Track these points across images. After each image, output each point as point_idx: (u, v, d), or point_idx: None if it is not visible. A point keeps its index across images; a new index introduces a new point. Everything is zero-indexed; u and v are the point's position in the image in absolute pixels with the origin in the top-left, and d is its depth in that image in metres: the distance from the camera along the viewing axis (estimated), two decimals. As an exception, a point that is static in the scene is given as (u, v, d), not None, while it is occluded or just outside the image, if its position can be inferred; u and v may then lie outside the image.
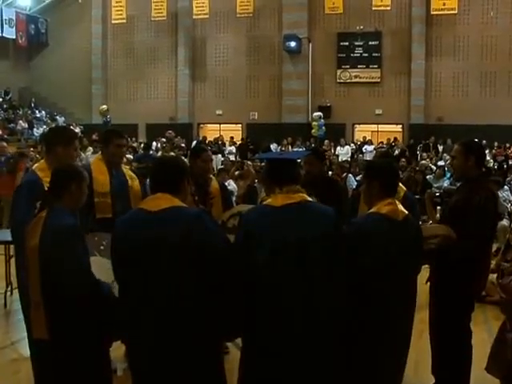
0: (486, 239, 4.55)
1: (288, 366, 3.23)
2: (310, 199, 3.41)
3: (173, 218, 3.18)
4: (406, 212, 3.81)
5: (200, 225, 3.17)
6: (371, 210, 3.79)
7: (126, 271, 3.26)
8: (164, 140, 23.63)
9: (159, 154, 19.35)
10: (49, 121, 28.69)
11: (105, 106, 27.57)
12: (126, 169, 5.39)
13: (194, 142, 24.74)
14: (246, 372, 3.36)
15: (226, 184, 8.17)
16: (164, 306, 3.12)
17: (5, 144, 14.93)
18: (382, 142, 24.67)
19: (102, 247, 4.05)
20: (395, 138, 24.87)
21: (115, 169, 5.17)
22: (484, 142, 21.46)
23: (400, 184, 4.98)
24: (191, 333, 3.14)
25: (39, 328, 3.51)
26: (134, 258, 3.19)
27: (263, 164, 3.73)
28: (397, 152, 22.09)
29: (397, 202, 3.80)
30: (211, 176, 5.90)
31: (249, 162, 13.43)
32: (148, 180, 3.79)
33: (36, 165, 4.93)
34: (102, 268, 3.68)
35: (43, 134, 5.75)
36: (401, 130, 26.49)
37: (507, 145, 22.25)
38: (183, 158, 6.53)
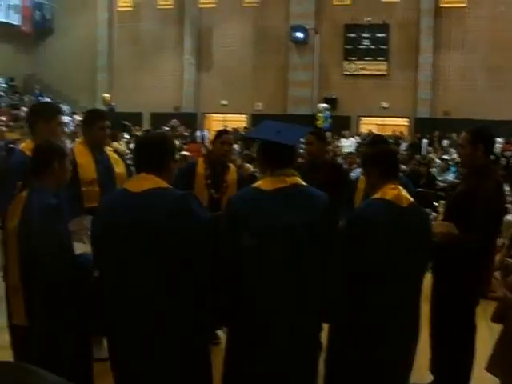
0: (493, 230, 4.35)
1: (275, 359, 3.05)
2: (303, 183, 3.23)
3: (156, 199, 3.00)
4: (412, 199, 3.62)
5: (184, 207, 2.99)
6: (374, 196, 3.61)
7: (104, 254, 3.09)
8: (167, 128, 23.50)
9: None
10: (52, 108, 28.55)
11: (106, 95, 27.59)
12: (109, 151, 5.18)
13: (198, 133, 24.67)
14: (231, 365, 3.19)
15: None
16: (144, 292, 2.95)
17: (4, 129, 14.96)
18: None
19: (89, 232, 3.89)
20: (401, 132, 24.64)
21: (99, 152, 4.98)
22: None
23: None
24: (172, 321, 2.97)
25: (18, 313, 3.38)
26: (113, 240, 3.01)
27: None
28: (403, 146, 21.95)
29: (400, 188, 3.61)
30: (231, 164, 5.75)
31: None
32: None
33: (22, 144, 4.76)
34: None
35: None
36: (407, 123, 26.18)
37: (515, 140, 22.00)
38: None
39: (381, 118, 26.70)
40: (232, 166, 5.69)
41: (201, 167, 5.44)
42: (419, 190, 14.28)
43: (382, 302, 3.44)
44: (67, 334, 3.35)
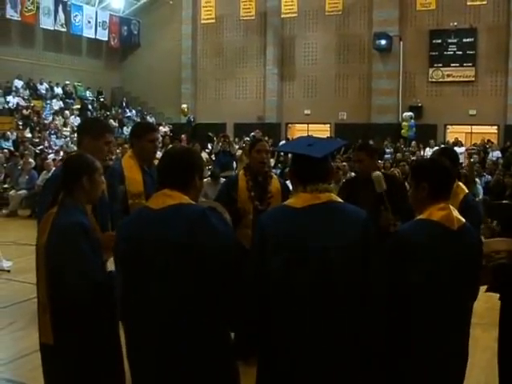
0: None
1: None
2: (339, 200, 2.95)
3: (175, 216, 2.82)
4: (464, 220, 3.26)
5: (204, 224, 2.79)
6: (420, 216, 3.25)
7: (125, 272, 2.96)
8: (247, 139, 23.61)
9: (239, 152, 19.36)
10: (138, 120, 29.25)
11: (184, 106, 27.99)
12: None
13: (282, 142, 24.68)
14: None
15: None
16: (165, 310, 2.80)
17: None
18: (475, 144, 23.68)
19: None
20: (489, 140, 23.78)
21: (147, 165, 4.89)
22: None
23: (461, 185, 4.47)
24: (193, 346, 2.80)
25: (45, 332, 3.31)
26: (133, 258, 2.87)
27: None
28: (494, 154, 21.19)
29: (452, 208, 3.25)
30: (272, 174, 5.58)
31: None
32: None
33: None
34: None
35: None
36: (496, 131, 25.12)
37: None
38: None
39: (468, 126, 25.94)
40: (274, 176, 5.53)
41: (242, 180, 5.30)
42: (503, 202, 13.79)
43: (425, 331, 3.14)
44: (95, 355, 3.27)
